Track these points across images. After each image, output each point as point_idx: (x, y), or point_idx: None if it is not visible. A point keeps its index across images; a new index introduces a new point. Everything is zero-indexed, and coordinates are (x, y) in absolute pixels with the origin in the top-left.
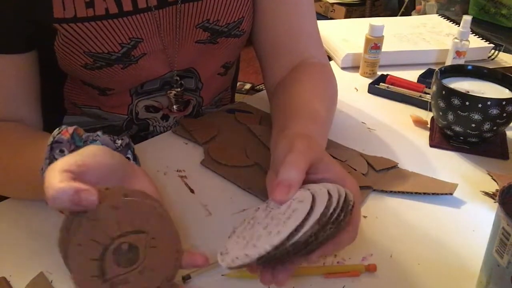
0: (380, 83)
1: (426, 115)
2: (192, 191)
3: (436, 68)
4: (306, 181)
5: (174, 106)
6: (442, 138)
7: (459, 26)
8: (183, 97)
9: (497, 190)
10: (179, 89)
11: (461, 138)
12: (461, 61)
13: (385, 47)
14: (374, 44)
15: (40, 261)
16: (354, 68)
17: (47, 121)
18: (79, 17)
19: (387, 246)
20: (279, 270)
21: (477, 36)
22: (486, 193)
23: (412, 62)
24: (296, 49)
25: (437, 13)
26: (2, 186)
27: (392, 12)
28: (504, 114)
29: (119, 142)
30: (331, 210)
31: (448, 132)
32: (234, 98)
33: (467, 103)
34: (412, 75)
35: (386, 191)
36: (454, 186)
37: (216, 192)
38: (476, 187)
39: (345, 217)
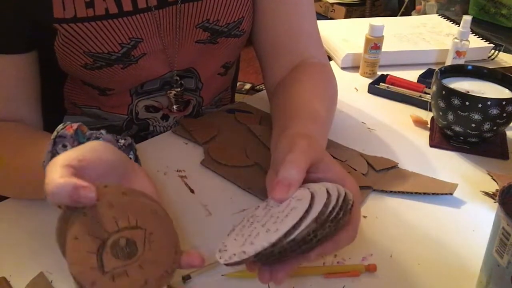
0: (380, 83)
1: (426, 115)
2: (192, 191)
3: (436, 68)
4: (306, 181)
5: (174, 106)
6: (442, 138)
7: (459, 26)
8: (183, 97)
9: (497, 190)
10: (179, 89)
11: (461, 138)
12: (461, 61)
13: (385, 47)
14: (374, 44)
15: (40, 261)
16: (354, 68)
17: (47, 121)
18: (79, 17)
19: (387, 246)
20: (278, 268)
21: (477, 36)
22: (486, 193)
23: (412, 62)
24: (296, 49)
25: (437, 13)
26: (2, 186)
27: (392, 12)
28: (504, 114)
29: (122, 141)
30: (329, 209)
31: (448, 132)
32: (234, 98)
33: (467, 103)
34: (412, 75)
35: (386, 191)
36: (454, 186)
37: (216, 192)
38: (476, 187)
39: (344, 216)
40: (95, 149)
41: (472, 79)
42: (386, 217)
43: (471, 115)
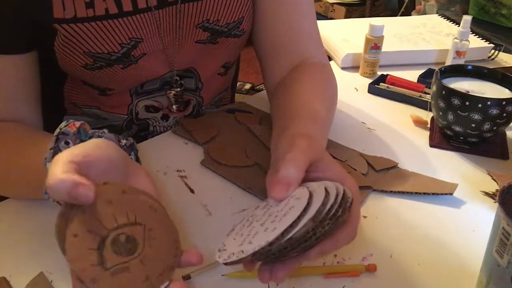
0: (380, 83)
1: (426, 115)
2: (192, 191)
3: (436, 68)
4: (305, 180)
5: (174, 106)
6: (442, 138)
7: (459, 26)
8: (182, 97)
9: (497, 190)
10: (179, 89)
11: (461, 138)
12: (461, 61)
13: (385, 47)
14: (374, 44)
15: (40, 261)
16: (354, 68)
17: (47, 121)
18: (79, 17)
19: (387, 246)
20: (278, 268)
21: (477, 36)
22: (486, 193)
23: (412, 62)
24: (296, 49)
25: (437, 13)
26: (2, 186)
27: (392, 12)
28: (504, 114)
29: (123, 141)
30: (328, 207)
31: (448, 132)
32: (234, 98)
33: (467, 103)
34: (412, 75)
35: (386, 191)
36: (454, 186)
37: (216, 192)
38: (476, 187)
39: (343, 214)
40: (99, 146)
41: (472, 79)
42: (386, 217)
43: (471, 115)
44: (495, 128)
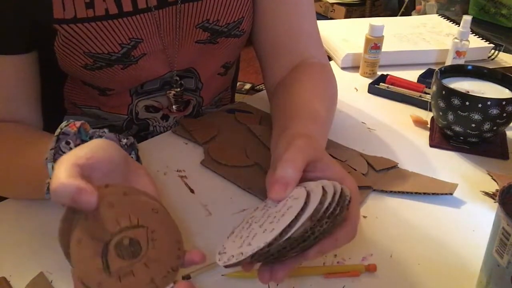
0: (380, 83)
1: (426, 115)
2: (192, 191)
3: (436, 68)
4: (304, 180)
5: (174, 106)
6: (442, 138)
7: (459, 26)
8: (182, 97)
9: (497, 190)
10: (178, 89)
11: (461, 138)
12: (461, 61)
13: (385, 47)
14: (374, 44)
15: (40, 261)
16: (354, 68)
17: (47, 121)
18: (79, 17)
19: (387, 246)
20: (278, 268)
21: (477, 36)
22: (486, 193)
23: (412, 62)
24: (296, 49)
25: (437, 13)
26: (2, 186)
27: (392, 12)
28: (504, 114)
29: (124, 141)
30: (325, 205)
31: (448, 132)
32: (234, 98)
33: (467, 103)
34: (412, 75)
35: (386, 191)
36: (454, 186)
37: (216, 192)
38: (476, 187)
39: (341, 212)
40: (102, 148)
41: (472, 79)
42: (386, 217)
43: (471, 115)
44: (495, 128)
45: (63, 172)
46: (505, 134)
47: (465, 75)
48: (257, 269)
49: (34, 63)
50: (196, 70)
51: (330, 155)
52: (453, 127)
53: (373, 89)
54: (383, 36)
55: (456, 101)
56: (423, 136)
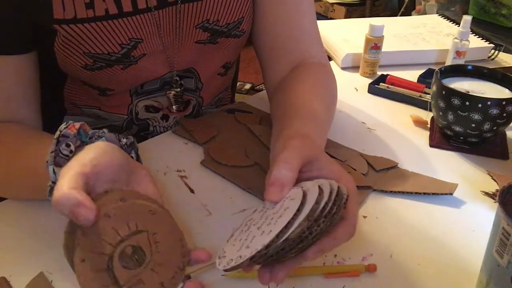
0: (380, 83)
1: (426, 115)
2: (192, 191)
3: (436, 68)
4: (301, 180)
5: (174, 106)
6: (442, 138)
7: (459, 26)
8: (182, 97)
9: (497, 190)
10: (178, 89)
11: (461, 138)
12: (461, 61)
13: (385, 47)
14: (374, 44)
15: (40, 261)
16: (354, 68)
17: (47, 121)
18: (79, 18)
19: (387, 246)
20: (278, 268)
21: (477, 36)
22: (486, 193)
23: (412, 62)
24: (296, 49)
25: (437, 13)
26: (2, 187)
27: (392, 12)
28: (504, 114)
29: (124, 140)
30: (322, 205)
31: (448, 132)
32: (234, 98)
33: (467, 103)
34: (412, 75)
35: (386, 191)
36: (454, 186)
37: (216, 192)
38: (476, 187)
39: (338, 211)
40: (106, 152)
41: (472, 79)
42: (386, 217)
43: (471, 115)
44: (495, 128)
45: (66, 183)
46: (505, 134)
47: (465, 75)
48: (257, 269)
49: (34, 64)
50: (196, 70)
51: (330, 155)
52: (453, 127)
53: (373, 89)
54: (383, 36)
55: (456, 101)
56: (423, 136)
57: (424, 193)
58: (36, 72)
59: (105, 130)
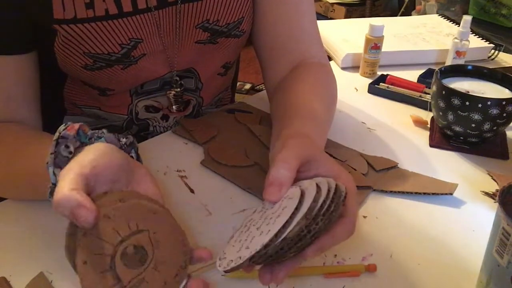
0: (380, 83)
1: (426, 115)
2: (192, 191)
3: (436, 68)
4: (300, 179)
5: (174, 106)
6: (442, 138)
7: (459, 26)
8: (182, 97)
9: (497, 190)
10: (178, 89)
11: (461, 138)
12: (461, 61)
13: (385, 47)
14: (374, 44)
15: (40, 261)
16: (354, 68)
17: (47, 121)
18: (79, 18)
19: (387, 246)
20: (278, 268)
21: (477, 36)
22: (486, 193)
23: (412, 62)
24: (296, 49)
25: (437, 13)
26: (2, 187)
27: (392, 12)
28: (504, 114)
29: (123, 140)
30: (320, 203)
31: (448, 132)
32: (234, 98)
33: (467, 103)
34: (412, 75)
35: (386, 191)
36: (454, 186)
37: (216, 192)
38: (476, 187)
39: (336, 209)
40: (106, 153)
41: (472, 79)
42: (386, 217)
43: (471, 115)
44: (495, 128)
45: (67, 184)
46: (505, 134)
47: (465, 75)
48: (257, 269)
49: (34, 64)
50: (196, 70)
51: (330, 155)
52: (453, 127)
53: (373, 89)
54: (383, 36)
55: (456, 101)
56: (423, 136)
57: (424, 193)
58: (36, 72)
59: (104, 130)
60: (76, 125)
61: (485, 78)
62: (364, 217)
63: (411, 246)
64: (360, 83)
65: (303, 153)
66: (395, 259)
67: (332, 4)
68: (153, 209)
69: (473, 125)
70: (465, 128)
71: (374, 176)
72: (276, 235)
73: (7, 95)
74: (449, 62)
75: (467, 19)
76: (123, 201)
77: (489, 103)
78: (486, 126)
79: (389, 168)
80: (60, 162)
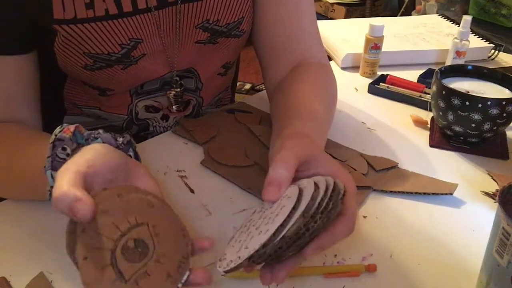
0: (380, 83)
1: (426, 115)
2: (192, 191)
3: (436, 68)
4: (298, 179)
5: (174, 106)
6: (442, 138)
7: (459, 26)
8: (182, 97)
9: (497, 190)
10: (178, 90)
11: (461, 138)
12: (461, 61)
13: (385, 47)
14: (374, 44)
15: (40, 261)
16: (354, 68)
17: (47, 121)
18: (79, 18)
19: (387, 246)
20: (279, 268)
21: (477, 36)
22: (486, 193)
23: (412, 62)
24: (296, 49)
25: (437, 13)
26: (2, 187)
27: (392, 12)
28: (504, 114)
29: (120, 139)
30: (318, 201)
31: (448, 132)
32: (234, 98)
33: (467, 103)
34: (412, 75)
35: (386, 191)
36: (454, 186)
37: (216, 192)
38: (476, 187)
39: (334, 207)
40: (102, 153)
41: (472, 79)
42: (386, 217)
43: (471, 115)
44: (495, 128)
45: (65, 182)
46: (505, 134)
47: (465, 75)
48: (257, 269)
49: (34, 64)
50: (196, 70)
51: (330, 155)
52: (453, 127)
53: (373, 89)
54: (383, 36)
55: (456, 101)
56: (423, 136)
57: (424, 193)
58: (36, 72)
59: (100, 130)
60: (72, 127)
61: (485, 78)
62: (364, 217)
63: (411, 246)
64: (360, 83)
65: (302, 153)
66: (395, 259)
67: (332, 4)
68: (152, 202)
69: (473, 125)
70: (465, 128)
71: (374, 176)
72: (274, 234)
73: (7, 95)
74: (449, 62)
75: (467, 19)
76: (121, 196)
77: (489, 103)
78: (486, 126)
79: (389, 168)
80: (58, 165)
